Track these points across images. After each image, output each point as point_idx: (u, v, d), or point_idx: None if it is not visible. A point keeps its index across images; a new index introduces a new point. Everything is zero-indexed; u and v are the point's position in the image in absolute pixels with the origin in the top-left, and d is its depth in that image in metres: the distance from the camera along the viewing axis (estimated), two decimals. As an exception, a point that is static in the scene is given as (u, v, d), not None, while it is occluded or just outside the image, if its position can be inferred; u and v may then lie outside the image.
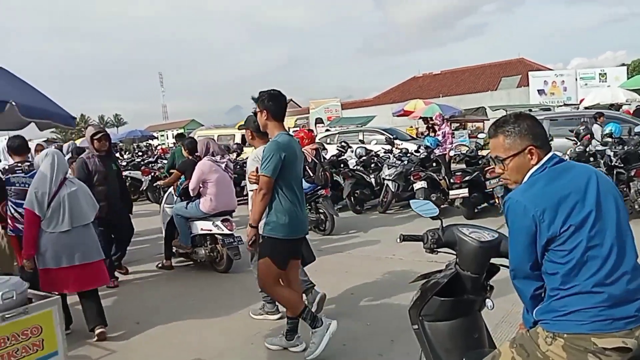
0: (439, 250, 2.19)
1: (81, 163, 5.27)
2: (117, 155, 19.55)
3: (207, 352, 3.77)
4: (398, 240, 2.28)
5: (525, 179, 1.86)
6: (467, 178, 7.83)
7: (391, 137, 13.53)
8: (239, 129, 12.15)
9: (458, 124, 19.74)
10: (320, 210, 7.65)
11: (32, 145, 8.55)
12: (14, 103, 2.25)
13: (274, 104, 3.57)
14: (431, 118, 16.62)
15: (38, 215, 3.76)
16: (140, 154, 19.83)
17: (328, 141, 14.83)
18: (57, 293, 3.26)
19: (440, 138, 10.34)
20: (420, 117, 19.42)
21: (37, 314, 2.32)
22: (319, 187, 7.43)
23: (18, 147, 4.59)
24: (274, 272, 3.49)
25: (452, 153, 10.05)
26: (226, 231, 5.54)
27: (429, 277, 2.24)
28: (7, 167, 4.83)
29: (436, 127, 13.02)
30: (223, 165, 5.70)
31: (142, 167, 13.31)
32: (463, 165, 9.06)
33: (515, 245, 1.82)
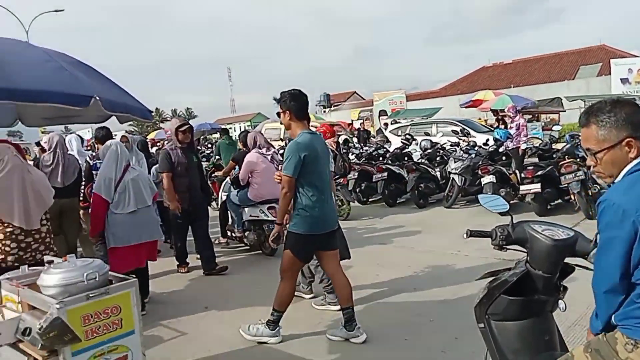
0: (508, 247, 2.10)
1: (165, 154, 5.45)
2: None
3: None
4: (465, 235, 2.21)
5: (621, 174, 1.66)
6: (539, 173, 7.44)
7: (466, 128, 13.01)
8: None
9: (531, 116, 18.78)
10: (339, 197, 8.14)
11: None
12: (97, 98, 2.41)
13: (295, 103, 3.64)
14: (502, 110, 15.91)
15: (105, 199, 4.18)
16: (210, 145, 20.62)
17: (399, 133, 14.50)
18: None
19: (513, 131, 9.82)
20: (490, 109, 18.68)
21: (117, 295, 2.49)
22: (337, 177, 7.79)
23: (103, 137, 5.43)
24: (294, 264, 3.71)
25: (524, 146, 9.57)
26: (271, 217, 5.87)
27: (496, 274, 2.16)
28: (93, 154, 5.51)
29: (507, 119, 12.47)
30: (269, 157, 6.09)
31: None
32: (535, 159, 8.62)
33: (606, 252, 1.62)
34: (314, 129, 3.90)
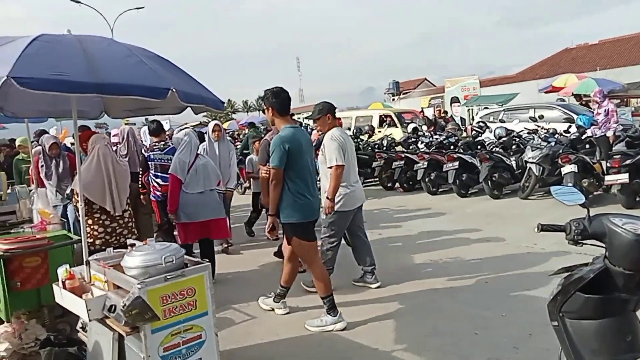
0: (584, 242, 1.97)
1: (265, 145, 5.05)
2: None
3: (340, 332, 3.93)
4: (536, 229, 2.10)
5: None
6: (627, 162, 6.87)
7: (569, 114, 12.05)
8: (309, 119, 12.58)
9: (619, 100, 17.34)
10: None
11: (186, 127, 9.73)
12: (174, 90, 2.54)
13: (277, 100, 3.88)
14: (585, 95, 14.79)
15: (180, 179, 4.87)
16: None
17: (491, 119, 13.86)
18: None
19: (601, 117, 9.02)
20: (572, 94, 17.46)
21: (192, 277, 2.64)
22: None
23: (155, 130, 5.85)
24: (308, 248, 3.91)
25: (609, 133, 8.82)
26: None
27: (572, 270, 2.03)
28: (147, 146, 6.08)
29: (592, 105, 11.56)
30: None
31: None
32: (623, 147, 7.95)
33: None
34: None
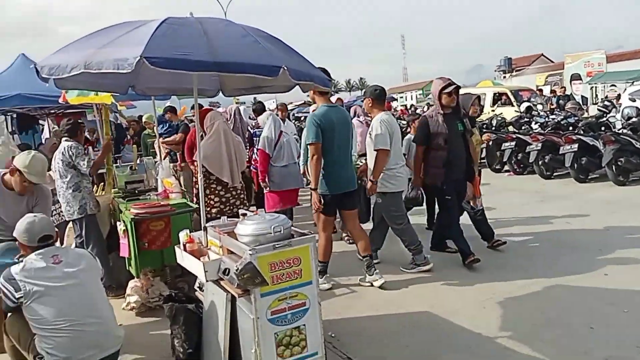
0: None
1: (423, 122, 4.77)
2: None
3: (441, 308, 3.88)
4: None
5: None
6: None
7: None
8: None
9: None
10: None
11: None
12: (285, 68, 2.63)
13: None
14: None
15: (267, 153, 5.40)
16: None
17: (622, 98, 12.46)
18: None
19: None
20: None
21: (298, 247, 2.75)
22: None
23: (258, 109, 6.86)
24: (323, 219, 4.30)
25: None
26: None
27: None
28: (253, 124, 6.84)
29: None
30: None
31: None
32: None
33: None
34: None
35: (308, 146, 4.17)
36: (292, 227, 2.91)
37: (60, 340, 2.60)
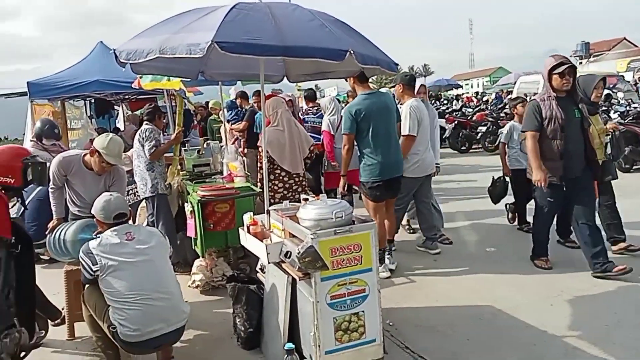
0: None
1: (533, 107, 4.17)
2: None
3: (504, 302, 3.75)
4: None
5: None
6: None
7: None
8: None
9: None
10: None
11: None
12: (352, 52, 2.61)
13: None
14: None
15: (332, 134, 5.93)
16: (445, 102, 20.27)
17: None
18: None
19: None
20: None
21: (359, 234, 2.75)
22: None
23: (309, 96, 7.28)
24: (371, 206, 4.33)
25: None
26: None
27: None
28: (302, 110, 7.23)
29: None
30: None
31: (447, 115, 13.64)
32: None
33: None
34: None
35: (344, 135, 4.25)
36: (353, 213, 2.91)
37: (131, 312, 2.76)
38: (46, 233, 3.74)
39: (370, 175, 4.21)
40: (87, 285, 3.01)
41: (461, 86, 38.81)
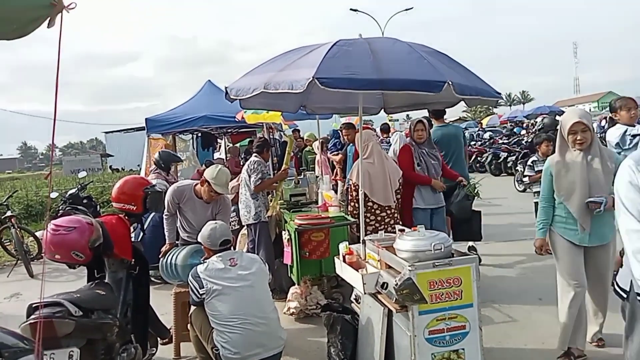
0: None
1: None
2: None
3: (613, 347, 3.37)
4: None
5: None
6: None
7: None
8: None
9: None
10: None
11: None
12: (450, 82, 2.60)
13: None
14: None
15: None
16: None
17: None
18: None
19: None
20: None
21: (459, 267, 2.66)
22: None
23: (384, 129, 8.45)
24: None
25: None
26: None
27: None
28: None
29: None
30: None
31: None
32: None
33: None
34: None
35: None
36: (454, 247, 2.83)
37: (233, 336, 2.89)
38: (159, 257, 4.06)
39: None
40: (194, 308, 3.21)
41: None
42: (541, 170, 5.08)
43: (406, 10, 28.18)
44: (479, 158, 15.48)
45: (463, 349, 2.66)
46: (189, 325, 3.31)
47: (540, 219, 3.35)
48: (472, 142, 17.64)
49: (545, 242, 3.32)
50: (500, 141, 16.84)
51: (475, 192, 4.88)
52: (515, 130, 20.93)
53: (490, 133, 20.38)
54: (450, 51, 3.19)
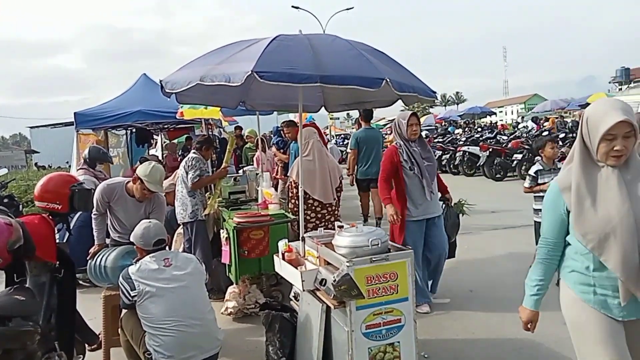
0: None
1: None
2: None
3: (544, 336, 3.59)
4: None
5: None
6: None
7: None
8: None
9: None
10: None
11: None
12: (388, 79, 2.64)
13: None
14: None
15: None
16: (479, 130, 20.15)
17: None
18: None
19: None
20: None
21: (395, 262, 2.71)
22: None
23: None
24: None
25: None
26: None
27: None
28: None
29: None
30: None
31: (481, 143, 13.48)
32: None
33: None
34: None
35: None
36: (390, 242, 2.88)
37: (166, 339, 2.78)
38: (87, 259, 3.84)
39: None
40: (125, 311, 3.06)
41: (495, 113, 38.38)
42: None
43: (347, 9, 28.55)
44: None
45: (398, 342, 2.71)
46: (119, 329, 3.16)
47: (534, 277, 2.17)
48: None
49: (537, 316, 2.25)
50: (435, 140, 17.46)
51: (463, 209, 4.57)
52: (449, 129, 22.11)
53: (427, 132, 21.27)
54: (388, 51, 3.25)
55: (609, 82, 33.99)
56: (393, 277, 2.70)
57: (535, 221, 4.70)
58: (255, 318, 4.08)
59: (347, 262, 2.59)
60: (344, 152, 14.60)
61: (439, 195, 4.28)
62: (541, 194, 4.30)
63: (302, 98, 3.23)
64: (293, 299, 3.47)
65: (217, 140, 9.98)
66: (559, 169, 4.25)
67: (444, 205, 4.36)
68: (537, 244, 4.36)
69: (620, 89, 30.04)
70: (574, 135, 12.42)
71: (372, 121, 7.96)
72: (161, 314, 2.81)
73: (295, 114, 6.43)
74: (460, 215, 4.55)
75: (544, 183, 4.45)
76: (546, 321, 3.82)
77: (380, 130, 16.35)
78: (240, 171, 6.26)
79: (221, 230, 4.71)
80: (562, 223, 2.00)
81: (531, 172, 4.62)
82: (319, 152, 4.78)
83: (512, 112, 51.62)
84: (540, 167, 4.56)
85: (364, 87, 2.69)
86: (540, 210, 4.31)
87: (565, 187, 1.95)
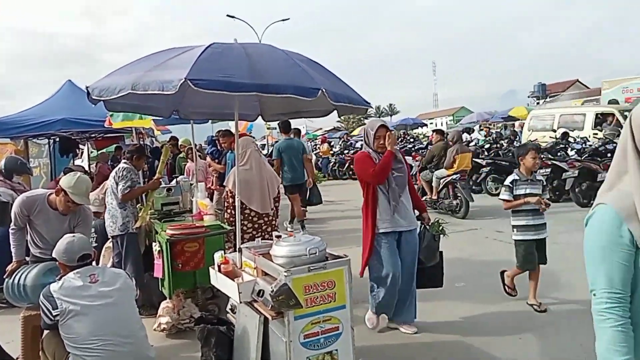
0: None
1: None
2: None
3: (477, 338, 3.75)
4: None
5: None
6: None
7: None
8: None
9: None
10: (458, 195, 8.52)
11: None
12: (324, 90, 2.67)
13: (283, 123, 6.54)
14: None
15: None
16: (412, 140, 20.84)
17: None
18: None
19: None
20: None
21: (332, 270, 2.73)
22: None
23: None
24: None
25: None
26: None
27: None
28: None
29: None
30: None
31: (413, 153, 13.95)
32: None
33: None
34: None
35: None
36: (327, 250, 2.89)
37: (92, 359, 2.62)
38: (4, 277, 3.55)
39: None
40: (46, 332, 2.85)
41: (426, 125, 39.93)
42: (525, 195, 4.01)
43: (283, 20, 28.70)
44: (351, 165, 16.23)
45: (336, 350, 2.72)
46: (40, 352, 2.94)
47: (620, 358, 1.34)
48: (345, 151, 18.53)
49: None
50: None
51: (441, 230, 4.00)
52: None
53: (361, 142, 21.65)
54: (324, 62, 3.29)
55: (528, 97, 36.42)
56: (331, 286, 2.72)
57: (516, 240, 4.21)
58: (190, 333, 3.95)
59: (284, 271, 2.57)
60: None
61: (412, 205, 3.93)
62: (524, 207, 4.09)
63: (238, 107, 3.19)
64: (230, 311, 3.40)
65: (149, 150, 9.64)
66: (538, 180, 4.19)
67: (421, 226, 4.00)
68: (521, 265, 4.07)
69: (538, 103, 32.32)
70: (498, 145, 13.05)
71: (309, 131, 8.24)
72: (86, 334, 2.65)
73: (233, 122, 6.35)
74: (441, 236, 4.02)
75: (521, 195, 4.12)
76: (479, 324, 4.04)
77: (316, 139, 16.61)
78: (174, 181, 6.05)
79: (153, 244, 4.52)
80: (631, 265, 1.38)
81: (507, 182, 4.23)
82: (256, 161, 4.72)
83: (441, 123, 53.98)
84: (517, 177, 4.18)
85: (300, 96, 2.69)
86: (522, 227, 4.08)
87: (630, 213, 1.35)
